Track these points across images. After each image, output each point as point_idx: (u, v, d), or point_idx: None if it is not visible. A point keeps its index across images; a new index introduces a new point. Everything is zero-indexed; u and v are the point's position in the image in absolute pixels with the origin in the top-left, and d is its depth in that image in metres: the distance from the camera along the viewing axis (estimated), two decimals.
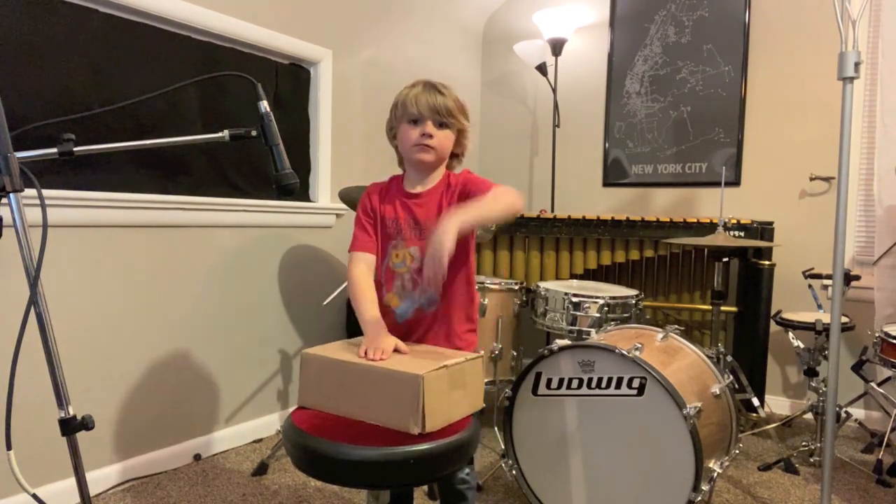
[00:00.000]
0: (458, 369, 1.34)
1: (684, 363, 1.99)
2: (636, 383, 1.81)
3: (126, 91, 2.23)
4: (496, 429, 2.59)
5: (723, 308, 2.85)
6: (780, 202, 3.26)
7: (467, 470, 1.62)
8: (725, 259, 2.61)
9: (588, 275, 3.14)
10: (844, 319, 2.68)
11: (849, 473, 2.49)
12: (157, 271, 2.36)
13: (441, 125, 1.55)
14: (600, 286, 2.75)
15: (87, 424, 1.08)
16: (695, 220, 2.98)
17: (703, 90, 3.43)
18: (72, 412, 1.08)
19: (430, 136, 1.53)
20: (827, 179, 3.15)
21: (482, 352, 1.51)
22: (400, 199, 1.61)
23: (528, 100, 4.00)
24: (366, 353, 1.37)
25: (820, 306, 2.98)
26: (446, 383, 1.30)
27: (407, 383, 1.25)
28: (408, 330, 1.57)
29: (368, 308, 1.52)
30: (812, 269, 2.97)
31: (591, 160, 3.78)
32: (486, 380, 2.60)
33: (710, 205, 3.42)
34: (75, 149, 1.16)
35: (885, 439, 2.62)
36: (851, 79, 1.71)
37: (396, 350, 1.41)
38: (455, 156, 1.64)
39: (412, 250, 1.57)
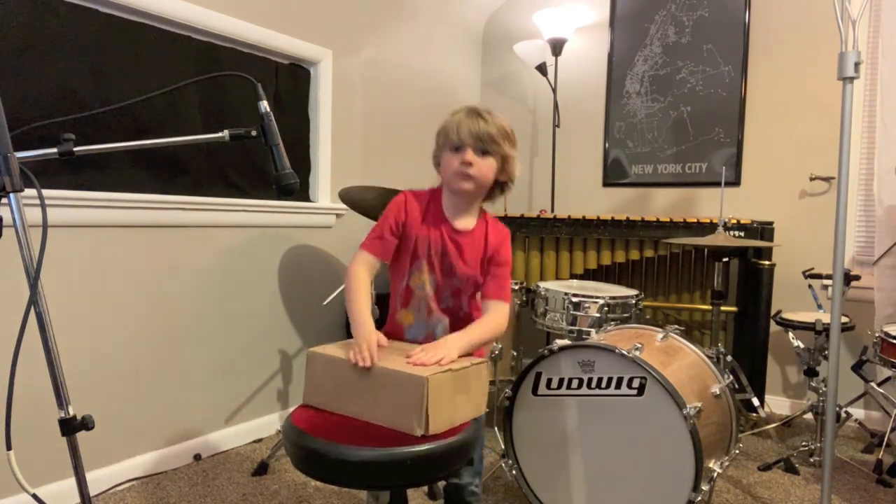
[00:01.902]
0: (463, 374, 1.35)
1: (684, 363, 1.99)
2: (636, 383, 1.81)
3: (126, 91, 2.23)
4: (496, 429, 2.59)
5: (723, 308, 2.85)
6: (780, 202, 3.26)
7: (477, 481, 1.62)
8: (725, 259, 2.61)
9: (588, 275, 3.14)
10: (844, 319, 2.68)
11: (849, 473, 2.49)
12: (157, 271, 2.36)
13: (483, 153, 1.50)
14: (600, 286, 2.75)
15: (87, 424, 1.08)
16: (695, 220, 2.98)
17: (703, 90, 3.43)
18: (72, 412, 1.08)
19: (470, 165, 1.49)
20: (827, 179, 3.15)
21: (486, 358, 1.51)
22: (441, 226, 1.57)
23: (528, 100, 4.00)
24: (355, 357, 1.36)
25: (820, 306, 2.98)
26: (451, 387, 1.30)
27: (412, 385, 1.25)
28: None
29: (362, 311, 1.49)
30: (812, 269, 2.97)
31: (591, 160, 3.78)
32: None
33: (710, 205, 3.42)
34: (75, 149, 1.16)
35: (885, 439, 2.62)
36: (851, 79, 1.71)
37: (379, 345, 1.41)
38: (499, 183, 1.59)
39: (432, 278, 1.56)
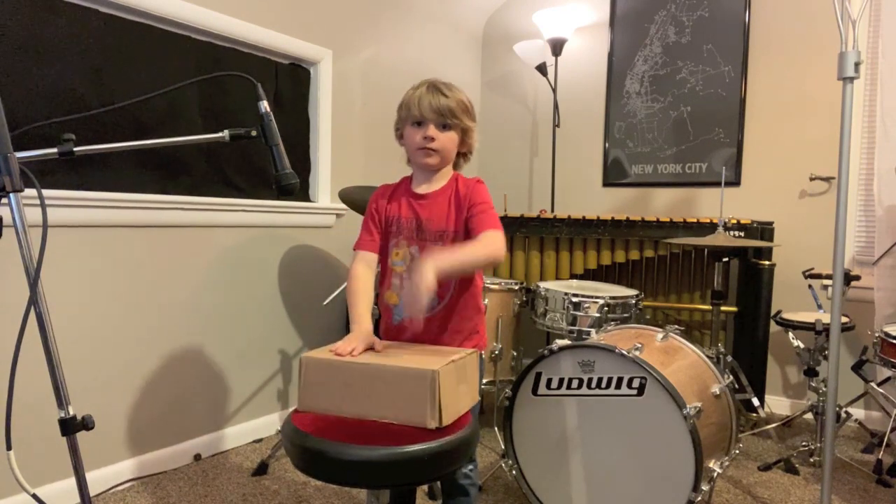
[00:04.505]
0: (462, 364, 1.38)
1: (684, 363, 1.99)
2: (636, 383, 1.81)
3: (126, 91, 2.23)
4: (496, 429, 2.59)
5: (723, 308, 2.85)
6: (780, 202, 3.26)
7: (470, 466, 1.64)
8: (725, 259, 2.61)
9: (588, 275, 3.14)
10: (844, 319, 2.68)
11: (849, 473, 2.49)
12: (158, 271, 2.36)
13: (444, 126, 1.54)
14: (600, 286, 2.75)
15: (87, 424, 1.09)
16: (695, 220, 2.98)
17: (703, 90, 3.43)
18: (72, 412, 1.08)
19: (433, 140, 1.52)
20: (827, 179, 3.15)
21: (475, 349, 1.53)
22: (406, 198, 1.61)
23: (528, 100, 4.00)
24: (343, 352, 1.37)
25: (820, 306, 2.97)
26: (454, 377, 1.34)
27: (422, 378, 1.27)
28: (404, 330, 1.57)
29: (361, 310, 1.51)
30: (812, 269, 2.97)
31: (591, 160, 3.78)
32: (486, 380, 2.61)
33: (710, 205, 3.42)
34: (75, 149, 1.16)
35: (885, 439, 2.62)
36: (851, 79, 1.71)
37: (371, 348, 1.42)
38: (461, 154, 1.63)
39: (412, 249, 1.57)
